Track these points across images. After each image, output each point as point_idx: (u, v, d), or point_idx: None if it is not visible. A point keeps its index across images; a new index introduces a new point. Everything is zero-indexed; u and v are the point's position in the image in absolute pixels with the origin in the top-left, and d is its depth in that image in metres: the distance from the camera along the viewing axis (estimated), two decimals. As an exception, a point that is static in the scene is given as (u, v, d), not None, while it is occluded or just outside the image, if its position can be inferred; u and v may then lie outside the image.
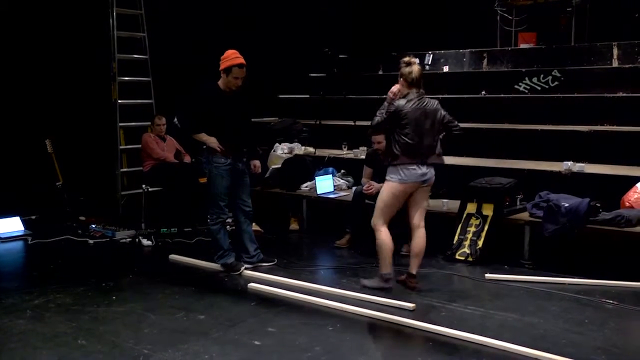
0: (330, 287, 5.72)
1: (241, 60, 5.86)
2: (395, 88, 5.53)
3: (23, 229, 7.74)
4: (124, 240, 7.46)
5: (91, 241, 7.42)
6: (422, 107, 5.41)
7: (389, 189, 5.46)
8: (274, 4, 10.28)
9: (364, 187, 6.83)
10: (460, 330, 4.72)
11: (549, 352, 4.33)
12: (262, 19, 10.06)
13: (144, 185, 8.01)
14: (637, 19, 9.41)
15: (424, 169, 5.45)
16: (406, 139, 5.36)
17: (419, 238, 5.64)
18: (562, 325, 4.92)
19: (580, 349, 4.47)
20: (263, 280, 5.96)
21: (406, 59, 5.51)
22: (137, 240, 7.39)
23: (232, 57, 5.85)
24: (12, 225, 7.74)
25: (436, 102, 5.57)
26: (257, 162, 6.36)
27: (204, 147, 6.01)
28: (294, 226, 7.96)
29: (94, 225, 7.81)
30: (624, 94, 8.09)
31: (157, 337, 4.73)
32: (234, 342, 4.65)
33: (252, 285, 5.82)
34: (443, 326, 4.81)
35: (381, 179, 6.75)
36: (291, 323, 5.00)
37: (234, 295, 5.68)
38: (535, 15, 9.97)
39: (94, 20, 8.55)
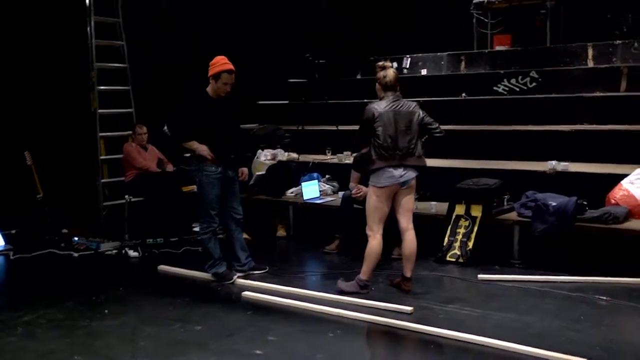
0: (325, 293, 5.67)
1: (230, 66, 5.80)
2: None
3: (3, 243, 7.55)
4: (109, 253, 7.33)
5: (76, 254, 7.27)
6: (395, 108, 5.40)
7: (370, 193, 5.50)
8: (251, 11, 10.21)
9: (353, 192, 6.81)
10: (459, 332, 4.70)
11: (548, 350, 4.33)
12: (240, 25, 9.97)
13: (126, 196, 7.86)
14: (609, 20, 9.51)
15: (400, 171, 5.40)
16: (379, 142, 5.35)
17: (409, 241, 5.62)
18: (558, 323, 4.94)
19: (579, 346, 4.48)
20: (256, 289, 5.88)
21: (380, 63, 5.55)
22: (123, 251, 7.26)
23: (220, 62, 5.78)
24: (-8, 240, 7.56)
25: (414, 104, 5.57)
26: (244, 170, 6.29)
27: (191, 155, 5.94)
28: (281, 232, 7.90)
29: (77, 238, 7.66)
30: (601, 94, 8.17)
31: (154, 350, 4.64)
32: (234, 352, 4.58)
33: (246, 293, 5.74)
34: (442, 328, 4.79)
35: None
36: (290, 331, 4.95)
37: (229, 304, 5.60)
38: (510, 17, 10.01)
39: (71, 29, 8.39)
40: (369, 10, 10.88)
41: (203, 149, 5.83)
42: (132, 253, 7.19)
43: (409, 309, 5.20)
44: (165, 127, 6.02)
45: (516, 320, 5.00)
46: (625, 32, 9.06)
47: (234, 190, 6.14)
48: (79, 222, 8.24)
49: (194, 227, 8.19)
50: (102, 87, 8.49)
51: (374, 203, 5.46)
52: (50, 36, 8.32)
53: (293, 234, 7.91)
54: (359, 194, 6.69)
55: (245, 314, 5.33)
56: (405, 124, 5.42)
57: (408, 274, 5.68)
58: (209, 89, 5.90)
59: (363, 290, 5.59)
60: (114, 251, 7.34)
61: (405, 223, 5.61)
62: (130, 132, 8.36)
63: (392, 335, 4.88)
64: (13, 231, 7.99)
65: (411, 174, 5.49)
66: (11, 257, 7.21)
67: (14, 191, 8.08)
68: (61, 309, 5.51)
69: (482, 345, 4.53)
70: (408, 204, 5.62)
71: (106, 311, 5.45)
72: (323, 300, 5.53)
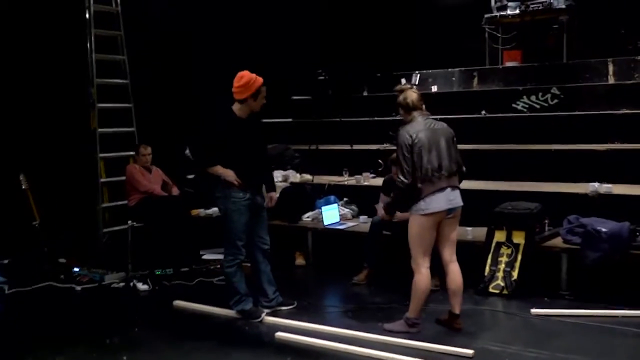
0: (367, 332, 5.02)
1: (261, 78, 5.25)
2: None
3: (-3, 276, 6.77)
4: (115, 285, 6.58)
5: (78, 287, 6.55)
6: (431, 127, 4.89)
7: (413, 222, 4.88)
8: (253, 27, 9.57)
9: (387, 216, 6.16)
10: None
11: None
12: (241, 41, 9.31)
13: (129, 221, 7.12)
14: (623, 35, 9.07)
15: (449, 194, 4.85)
16: (423, 165, 4.76)
17: (455, 274, 5.04)
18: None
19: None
20: (289, 328, 5.20)
21: (397, 87, 5.12)
22: (131, 284, 6.51)
23: (253, 78, 5.18)
24: (-16, 272, 6.78)
25: (443, 123, 5.06)
26: (273, 195, 5.65)
27: (215, 180, 5.25)
28: (300, 261, 7.23)
29: (77, 269, 6.91)
30: (628, 111, 7.67)
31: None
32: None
33: (279, 335, 5.05)
34: (513, 376, 4.17)
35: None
36: (342, 381, 4.28)
37: (262, 348, 4.92)
38: (521, 33, 9.53)
39: (70, 43, 7.66)
40: (375, 24, 10.28)
41: (230, 174, 5.17)
42: (141, 286, 6.46)
43: (469, 352, 4.58)
44: (187, 151, 5.34)
45: (593, 366, 4.40)
46: (639, 48, 8.62)
47: (262, 218, 5.49)
48: (78, 250, 7.48)
49: (203, 254, 7.56)
50: (102, 105, 7.75)
51: (418, 232, 4.85)
52: (48, 50, 7.63)
53: (312, 262, 7.22)
54: (391, 218, 6.05)
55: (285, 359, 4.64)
56: (445, 141, 4.90)
57: (457, 311, 5.07)
58: (235, 108, 5.26)
59: (412, 330, 4.98)
60: (121, 284, 6.60)
61: (449, 255, 5.04)
62: (133, 152, 7.62)
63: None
64: (6, 261, 7.20)
65: (459, 200, 4.96)
66: (6, 292, 6.42)
67: (8, 217, 7.29)
68: (72, 356, 4.80)
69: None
70: (452, 234, 5.06)
71: (124, 358, 4.71)
72: (367, 342, 4.88)
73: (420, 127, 4.82)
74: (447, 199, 4.83)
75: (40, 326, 5.53)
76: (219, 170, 5.19)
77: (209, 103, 6.67)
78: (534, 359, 4.51)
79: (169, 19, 8.57)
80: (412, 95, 4.94)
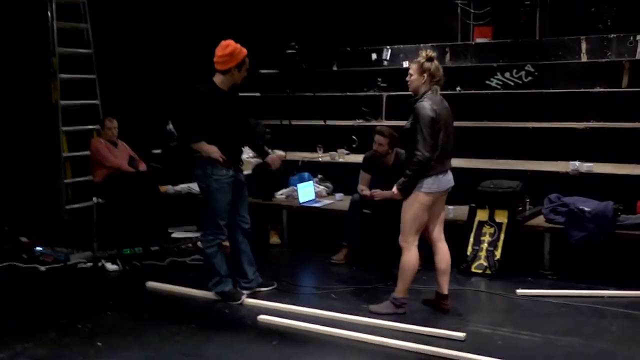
0: (352, 314, 4.83)
1: (245, 49, 4.98)
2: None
3: (-47, 256, 6.36)
4: (82, 266, 6.24)
5: (42, 267, 6.18)
6: (445, 105, 4.69)
7: (418, 201, 4.63)
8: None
9: (370, 193, 5.96)
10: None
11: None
12: (208, 11, 8.91)
13: (94, 198, 6.78)
14: (595, 13, 8.99)
15: (449, 174, 4.75)
16: (441, 144, 4.56)
17: (444, 253, 4.91)
18: (635, 349, 4.25)
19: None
20: (271, 311, 4.97)
21: (428, 52, 4.68)
22: (99, 264, 6.18)
23: (238, 48, 4.89)
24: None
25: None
26: (274, 157, 5.53)
27: (197, 157, 4.95)
28: (274, 240, 7.00)
29: (40, 248, 6.53)
30: (602, 89, 7.61)
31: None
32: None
33: (262, 318, 4.82)
34: (511, 360, 4.04)
35: (380, 185, 5.96)
36: (334, 367, 4.09)
37: (246, 332, 4.69)
38: (494, 9, 9.36)
39: (29, 10, 7.15)
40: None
41: (214, 151, 4.87)
42: (110, 266, 6.16)
43: (461, 335, 4.42)
44: (170, 126, 5.01)
45: (587, 347, 4.30)
46: (609, 26, 8.56)
47: (244, 196, 5.23)
48: (41, 229, 7.07)
49: (172, 233, 7.26)
50: (64, 76, 7.30)
51: (416, 211, 4.65)
52: (4, 18, 7.07)
53: (287, 240, 6.99)
54: (377, 196, 5.86)
55: (271, 344, 4.43)
56: (451, 121, 4.73)
57: (445, 291, 4.94)
58: (217, 80, 4.95)
59: (400, 310, 4.82)
60: (88, 264, 6.26)
61: (438, 233, 4.91)
62: (97, 126, 7.22)
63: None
64: (-38, 240, 6.79)
65: (453, 180, 4.79)
66: (-36, 273, 6.05)
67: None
68: (42, 343, 4.48)
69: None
70: (442, 213, 4.92)
71: (99, 344, 4.43)
72: (353, 324, 4.69)
73: (439, 103, 4.59)
74: (447, 179, 4.71)
75: (4, 311, 5.16)
76: (204, 146, 4.88)
77: (184, 76, 6.31)
78: (527, 341, 4.40)
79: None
80: (441, 69, 4.67)
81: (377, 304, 4.94)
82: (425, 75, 4.58)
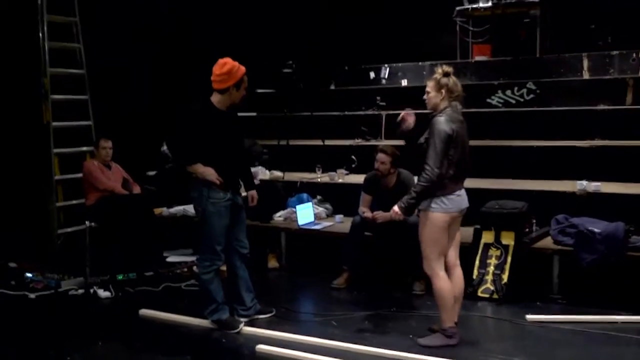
0: (357, 344, 4.59)
1: (243, 67, 4.80)
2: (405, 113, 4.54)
3: (-61, 283, 6.11)
4: (73, 292, 5.99)
5: (32, 295, 5.92)
6: (462, 122, 4.48)
7: (434, 222, 4.38)
8: (212, 13, 9.02)
9: (372, 215, 5.76)
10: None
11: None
12: (203, 30, 8.76)
13: (87, 222, 6.54)
14: (595, 30, 8.86)
15: (463, 192, 4.52)
16: (455, 162, 4.34)
17: (459, 279, 4.63)
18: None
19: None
20: (270, 340, 4.73)
21: (444, 68, 4.47)
22: (91, 291, 5.94)
23: (236, 66, 4.70)
24: None
25: None
26: (254, 193, 5.16)
27: (194, 180, 4.73)
28: (272, 263, 6.76)
29: (30, 274, 6.29)
30: (606, 107, 7.45)
31: None
32: None
33: (260, 347, 4.58)
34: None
35: (381, 207, 5.77)
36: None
37: (245, 363, 4.43)
38: (493, 26, 9.22)
39: (20, 29, 6.95)
40: (342, 17, 9.82)
41: (210, 173, 4.65)
42: (102, 293, 5.91)
43: (471, 366, 4.19)
44: (165, 147, 4.80)
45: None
46: (609, 43, 8.43)
47: (242, 220, 5.01)
48: (31, 254, 6.82)
49: (167, 257, 7.02)
50: (56, 96, 7.09)
51: (434, 234, 4.39)
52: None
53: (286, 264, 6.75)
54: (379, 219, 5.67)
55: (270, 377, 4.18)
56: (467, 141, 4.53)
57: (455, 319, 4.64)
58: (214, 100, 4.75)
59: (452, 341, 4.51)
60: (80, 290, 6.02)
61: (454, 258, 4.62)
62: (91, 148, 7.03)
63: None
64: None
65: (467, 199, 4.56)
66: (-49, 301, 5.79)
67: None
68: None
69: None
70: (458, 234, 4.66)
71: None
72: (357, 354, 4.46)
73: (457, 120, 4.38)
74: (463, 199, 4.49)
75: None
76: (199, 168, 4.66)
77: (179, 96, 6.13)
78: (542, 371, 4.17)
79: (129, 5, 7.94)
80: (459, 84, 4.47)
81: (426, 337, 4.65)
82: (443, 91, 4.38)
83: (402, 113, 4.62)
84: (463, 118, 4.47)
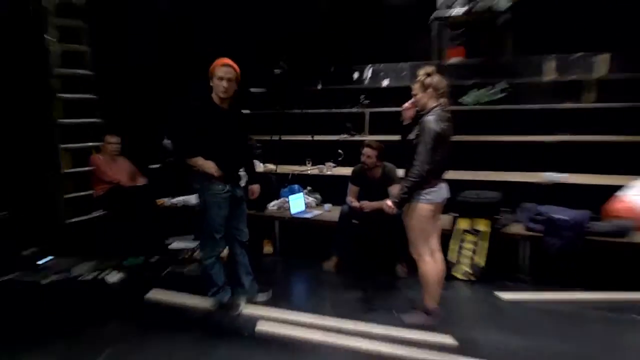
0: (348, 322, 4.65)
1: (225, 60, 4.67)
2: (408, 103, 4.55)
3: (-43, 269, 6.08)
4: (84, 277, 5.98)
5: (44, 281, 5.90)
6: (449, 119, 4.44)
7: (421, 212, 4.44)
8: (209, 18, 8.99)
9: (360, 205, 5.82)
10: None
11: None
12: (202, 31, 8.72)
13: (95, 212, 6.53)
14: (558, 35, 8.95)
15: (445, 185, 4.57)
16: (438, 158, 4.37)
17: (440, 263, 4.67)
18: (626, 355, 4.15)
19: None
20: (268, 319, 4.78)
21: (426, 69, 4.46)
22: (100, 275, 5.94)
23: (216, 61, 4.65)
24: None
25: None
26: (255, 187, 5.15)
27: (195, 172, 4.73)
28: (267, 249, 6.78)
29: (42, 261, 6.28)
30: (571, 105, 7.55)
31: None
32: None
33: (260, 326, 4.63)
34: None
35: (367, 197, 5.83)
36: (334, 375, 3.91)
37: (245, 341, 4.49)
38: (466, 31, 9.27)
39: (31, 33, 6.88)
40: (329, 22, 9.83)
41: (210, 166, 4.65)
42: (111, 277, 5.89)
43: (453, 341, 4.27)
44: (166, 141, 4.78)
45: (578, 355, 4.14)
46: (573, 46, 8.50)
47: (242, 210, 5.01)
48: (41, 242, 6.80)
49: (169, 243, 7.03)
50: (65, 95, 7.04)
51: (421, 223, 4.45)
52: (7, 40, 6.80)
53: (279, 250, 6.78)
54: (366, 208, 5.73)
55: (269, 354, 4.24)
56: (450, 138, 4.49)
57: (438, 299, 4.71)
58: (213, 96, 4.72)
59: (433, 320, 4.58)
60: (90, 275, 6.00)
61: (435, 244, 4.67)
62: (98, 143, 6.99)
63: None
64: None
65: (448, 190, 4.62)
66: (-30, 286, 5.78)
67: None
68: (49, 352, 4.26)
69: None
70: (439, 222, 4.71)
71: (107, 351, 4.20)
72: (348, 331, 4.53)
73: (445, 119, 4.37)
74: (444, 190, 4.54)
75: (9, 322, 4.92)
76: (199, 161, 4.64)
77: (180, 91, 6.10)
78: (518, 347, 4.26)
79: (133, 5, 7.88)
80: (444, 81, 4.44)
81: (409, 314, 4.72)
82: (429, 90, 4.36)
83: (404, 105, 4.57)
84: (450, 115, 4.45)
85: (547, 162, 6.74)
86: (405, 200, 4.41)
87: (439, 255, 4.67)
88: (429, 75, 4.43)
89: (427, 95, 4.40)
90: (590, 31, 8.12)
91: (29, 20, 6.91)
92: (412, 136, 4.42)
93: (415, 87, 4.43)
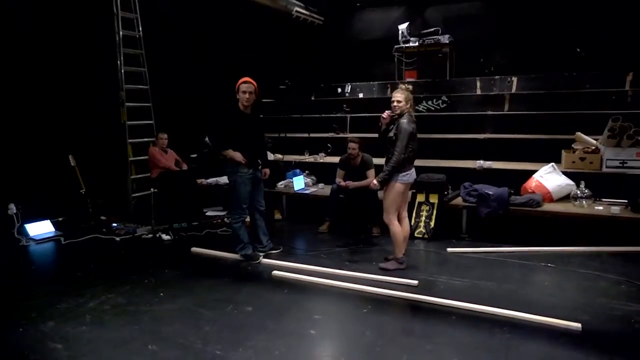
0: (339, 269, 4.51)
1: (247, 78, 4.55)
2: (385, 114, 4.38)
3: (54, 230, 5.85)
4: (145, 236, 5.78)
5: (117, 238, 5.69)
6: (415, 122, 4.33)
7: (396, 189, 4.30)
8: (227, 42, 8.69)
9: (345, 184, 5.65)
10: (465, 302, 3.71)
11: (553, 317, 3.41)
12: (216, 55, 8.42)
13: (152, 189, 6.31)
14: (483, 62, 8.76)
15: (414, 170, 4.41)
16: (411, 150, 4.26)
17: (407, 225, 4.56)
18: (532, 289, 4.05)
19: (565, 310, 3.59)
20: (281, 267, 4.62)
21: (408, 86, 4.37)
22: (157, 235, 5.73)
23: (240, 80, 4.50)
24: (44, 227, 5.84)
25: None
26: (267, 170, 4.97)
27: (227, 160, 4.55)
28: (277, 216, 6.60)
29: (115, 224, 6.06)
30: (492, 112, 7.41)
31: (221, 335, 3.36)
32: (291, 333, 3.37)
33: (275, 273, 4.47)
34: (449, 299, 3.79)
35: (351, 178, 5.66)
36: (329, 309, 3.79)
37: (265, 283, 4.32)
38: (419, 58, 9.07)
39: (105, 59, 6.61)
40: (318, 51, 9.58)
41: (238, 156, 4.49)
42: (165, 236, 5.70)
43: (415, 282, 4.14)
44: (207, 139, 4.60)
45: (502, 289, 4.05)
46: (492, 71, 8.34)
47: (260, 187, 4.84)
48: (114, 210, 6.58)
49: (206, 212, 6.82)
50: (129, 104, 6.77)
51: (395, 197, 4.30)
52: (90, 65, 6.54)
53: (287, 216, 6.60)
54: (350, 186, 5.57)
55: (283, 292, 4.08)
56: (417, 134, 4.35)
57: (404, 251, 4.58)
58: (240, 105, 4.53)
59: (402, 266, 4.45)
60: (149, 235, 5.80)
61: (403, 212, 4.52)
62: (152, 139, 6.75)
63: (417, 308, 3.79)
64: (60, 219, 6.24)
65: (415, 174, 4.46)
66: (63, 242, 5.54)
67: (61, 187, 6.30)
68: (120, 293, 4.07)
69: (495, 315, 3.54)
70: (408, 197, 4.59)
71: (162, 294, 4.05)
72: (341, 276, 4.37)
73: (412, 121, 4.26)
74: (413, 174, 4.39)
75: (91, 270, 4.72)
76: (230, 152, 4.50)
77: (215, 102, 5.87)
78: (461, 285, 4.14)
79: (180, 35, 7.58)
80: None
81: (384, 263, 4.56)
82: (409, 101, 4.27)
83: (383, 114, 4.39)
84: (415, 119, 4.34)
85: (479, 153, 6.60)
86: (387, 180, 4.27)
87: (406, 221, 4.54)
88: (409, 90, 4.28)
89: (407, 104, 4.28)
90: (505, 61, 8.01)
91: (108, 51, 6.63)
92: (391, 134, 4.28)
93: (401, 97, 4.28)
